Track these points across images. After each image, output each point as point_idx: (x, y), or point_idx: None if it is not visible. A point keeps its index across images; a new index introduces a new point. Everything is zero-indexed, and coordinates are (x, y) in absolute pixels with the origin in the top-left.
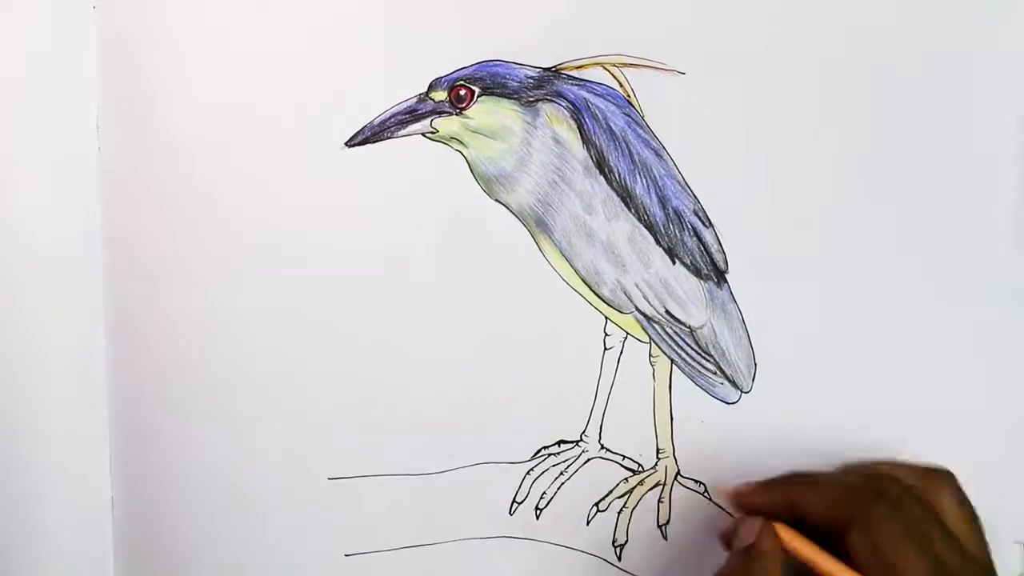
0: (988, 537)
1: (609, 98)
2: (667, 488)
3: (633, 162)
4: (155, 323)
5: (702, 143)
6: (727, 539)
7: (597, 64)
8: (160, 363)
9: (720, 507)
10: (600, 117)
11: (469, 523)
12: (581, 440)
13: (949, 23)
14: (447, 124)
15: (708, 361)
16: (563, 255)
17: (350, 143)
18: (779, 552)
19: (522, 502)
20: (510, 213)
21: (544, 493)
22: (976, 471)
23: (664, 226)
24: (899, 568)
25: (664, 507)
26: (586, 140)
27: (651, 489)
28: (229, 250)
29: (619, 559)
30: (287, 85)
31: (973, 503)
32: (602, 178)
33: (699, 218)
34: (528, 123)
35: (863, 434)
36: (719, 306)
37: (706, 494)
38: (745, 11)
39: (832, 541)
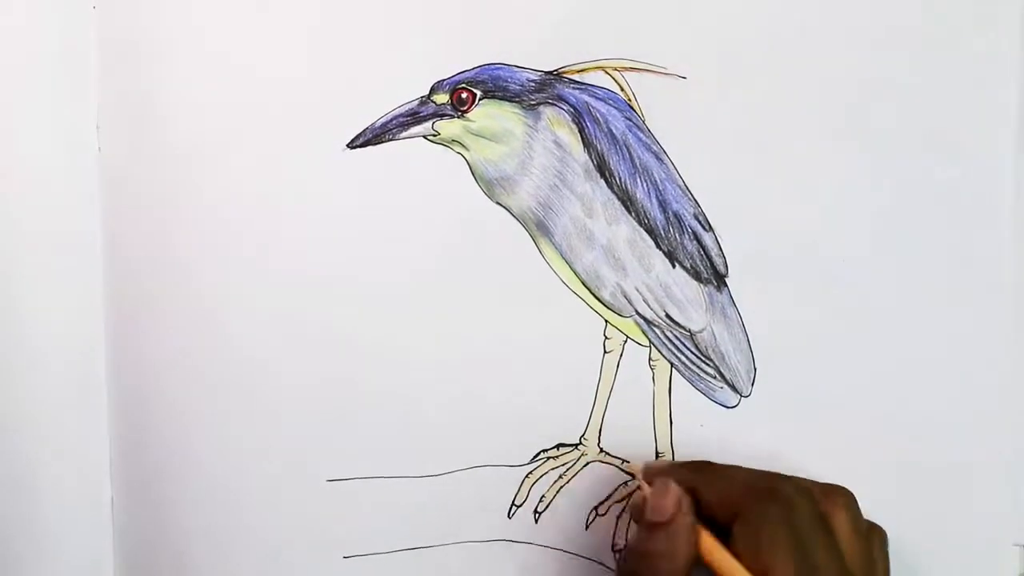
0: (979, 541)
1: (610, 102)
2: None
3: (634, 166)
4: (155, 324)
5: (703, 147)
6: (637, 512)
7: (598, 68)
8: (160, 364)
9: None
10: (601, 121)
11: (468, 526)
12: (580, 443)
13: (950, 23)
14: (449, 127)
15: (708, 365)
16: (563, 258)
17: (352, 145)
18: (693, 529)
19: (521, 505)
20: (511, 216)
21: (543, 496)
22: (976, 473)
23: (664, 230)
24: (768, 563)
25: None
26: (587, 143)
27: None
28: (229, 251)
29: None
30: (288, 86)
31: (870, 525)
32: (603, 182)
33: (699, 222)
34: (529, 126)
35: (862, 438)
36: (719, 310)
37: None
38: (746, 15)
39: (720, 532)
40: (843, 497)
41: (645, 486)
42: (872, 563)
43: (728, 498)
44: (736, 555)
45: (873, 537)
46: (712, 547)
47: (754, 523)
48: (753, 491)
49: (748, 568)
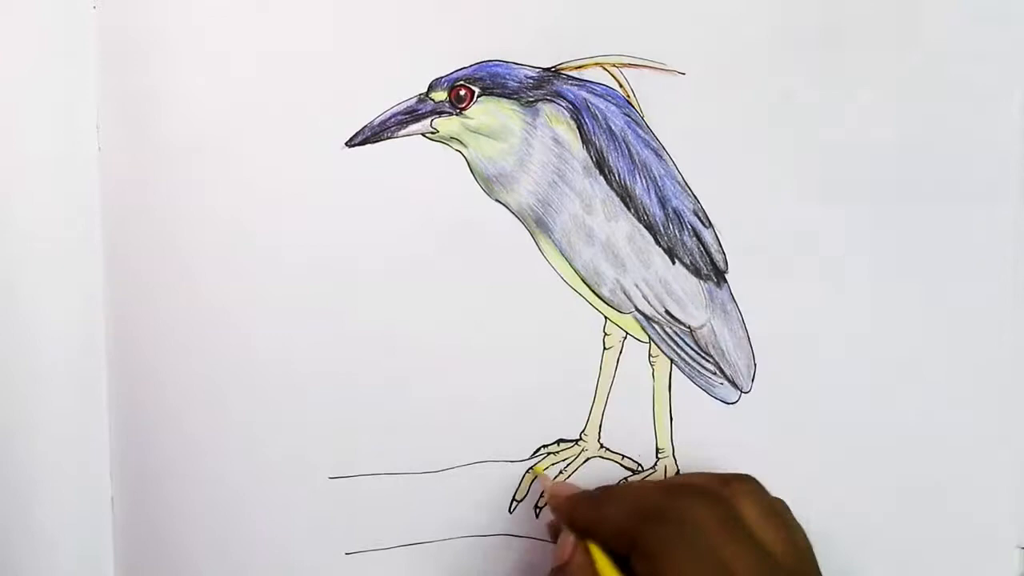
0: (987, 542)
1: (609, 98)
2: None
3: (633, 162)
4: (155, 323)
5: (702, 143)
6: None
7: (597, 64)
8: (160, 363)
9: None
10: (600, 117)
11: (469, 521)
12: (580, 439)
13: (950, 22)
14: (447, 124)
15: (708, 361)
16: (563, 255)
17: (350, 143)
18: (590, 569)
19: (521, 500)
20: (510, 213)
21: (544, 492)
22: (975, 474)
23: (664, 226)
24: None
25: None
26: (586, 140)
27: None
28: (229, 250)
29: None
30: (287, 85)
31: (774, 500)
32: (602, 178)
33: (699, 218)
34: (528, 123)
35: (862, 436)
36: (719, 306)
37: None
38: (744, 11)
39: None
40: (744, 484)
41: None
42: (791, 534)
43: (621, 530)
44: None
45: (783, 511)
46: (609, 570)
47: (649, 552)
48: (642, 516)
49: None
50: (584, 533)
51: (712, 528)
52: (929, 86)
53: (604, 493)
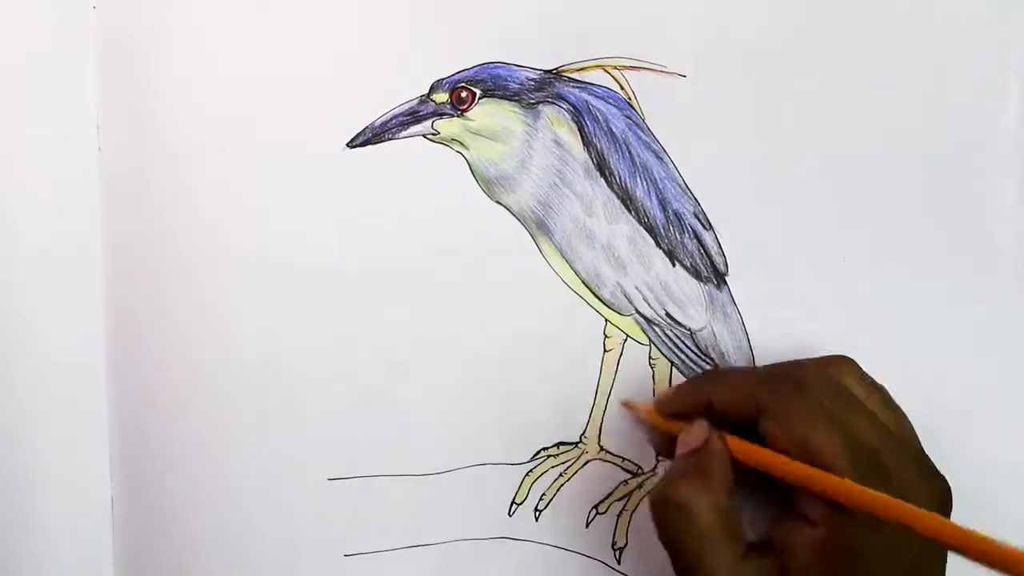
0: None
1: (610, 100)
2: None
3: (634, 164)
4: (155, 323)
5: (703, 146)
6: (665, 450)
7: (598, 66)
8: (160, 363)
9: None
10: (601, 119)
11: (468, 524)
12: (580, 442)
13: (950, 24)
14: (448, 126)
15: (708, 363)
16: (563, 257)
17: (351, 144)
18: (728, 451)
19: (521, 503)
20: (511, 215)
21: (543, 495)
22: (975, 474)
23: (664, 228)
24: (813, 444)
25: None
26: (587, 142)
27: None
28: (229, 250)
29: (618, 562)
30: (288, 85)
31: (882, 387)
32: (603, 180)
33: (699, 221)
34: (529, 125)
35: None
36: (719, 309)
37: None
38: (746, 14)
39: (751, 434)
40: (846, 363)
41: (676, 426)
42: (896, 411)
43: (748, 395)
44: (775, 448)
45: (883, 389)
46: (748, 446)
47: (781, 411)
48: (769, 382)
49: (792, 453)
50: (706, 409)
51: (837, 398)
52: (929, 86)
53: (710, 373)
